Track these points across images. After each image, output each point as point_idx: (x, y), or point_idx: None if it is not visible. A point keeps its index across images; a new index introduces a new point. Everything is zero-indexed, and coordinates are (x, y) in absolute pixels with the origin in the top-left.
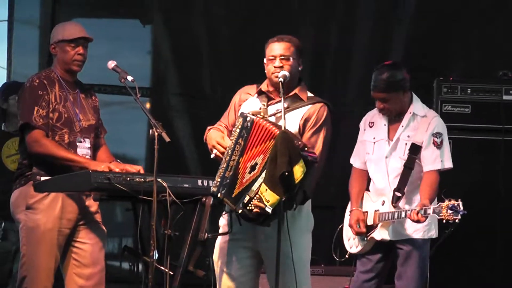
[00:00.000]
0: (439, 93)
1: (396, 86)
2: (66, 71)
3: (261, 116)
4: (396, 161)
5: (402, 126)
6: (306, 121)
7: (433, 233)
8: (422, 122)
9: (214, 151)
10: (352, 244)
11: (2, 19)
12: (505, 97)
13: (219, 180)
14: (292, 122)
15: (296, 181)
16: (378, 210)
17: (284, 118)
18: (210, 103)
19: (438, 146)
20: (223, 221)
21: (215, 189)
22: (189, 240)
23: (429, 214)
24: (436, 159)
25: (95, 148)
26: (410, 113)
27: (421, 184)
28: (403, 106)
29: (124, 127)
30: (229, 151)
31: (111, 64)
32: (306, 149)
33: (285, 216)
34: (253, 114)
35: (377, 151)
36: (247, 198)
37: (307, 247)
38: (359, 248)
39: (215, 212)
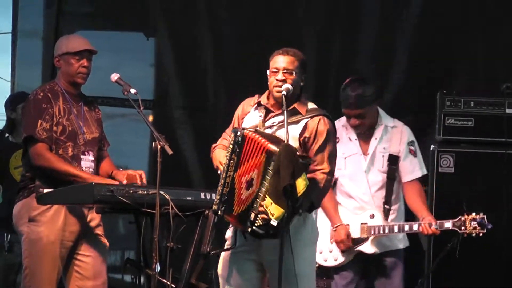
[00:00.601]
0: (442, 107)
1: (370, 100)
2: (70, 83)
3: (253, 130)
4: (376, 175)
5: (376, 139)
6: (306, 138)
7: (407, 242)
8: (394, 133)
9: (219, 171)
10: (327, 257)
11: (5, 31)
12: (508, 111)
13: (218, 197)
14: (292, 135)
15: (299, 194)
16: (366, 224)
17: (287, 131)
18: (213, 116)
19: (415, 154)
20: (228, 234)
21: (215, 207)
22: (191, 253)
23: (447, 228)
24: (415, 168)
25: (98, 161)
26: (382, 125)
27: (408, 195)
28: (375, 118)
29: (127, 140)
30: (225, 167)
31: (115, 76)
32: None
33: (288, 229)
34: (243, 129)
35: (351, 166)
36: (252, 215)
37: (312, 259)
38: (340, 260)
39: (220, 225)
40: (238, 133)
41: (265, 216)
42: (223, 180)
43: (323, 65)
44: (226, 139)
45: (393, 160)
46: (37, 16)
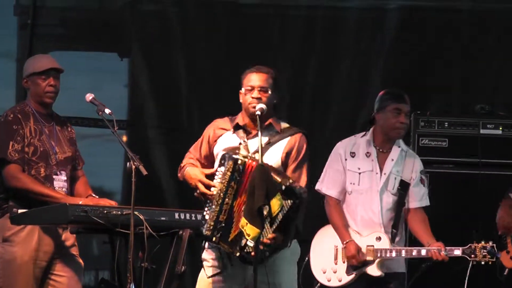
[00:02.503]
0: (417, 127)
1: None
2: (39, 104)
3: (252, 158)
4: (388, 196)
5: (392, 160)
6: (288, 154)
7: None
8: (408, 159)
9: (198, 190)
10: (330, 277)
11: None
12: (482, 131)
13: (212, 224)
14: (274, 155)
15: (274, 214)
16: (373, 246)
17: (261, 152)
18: (188, 136)
19: (424, 183)
20: (208, 256)
21: (209, 233)
22: (165, 273)
23: (456, 255)
24: (423, 196)
25: (72, 180)
26: (399, 148)
27: (413, 221)
28: None
29: (101, 160)
30: (221, 194)
31: (89, 96)
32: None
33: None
34: (244, 157)
35: (366, 182)
36: (244, 241)
37: (295, 278)
38: (344, 281)
39: (193, 245)
40: (240, 161)
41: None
42: (218, 207)
43: (297, 88)
44: (192, 158)
45: (404, 186)
46: (11, 37)
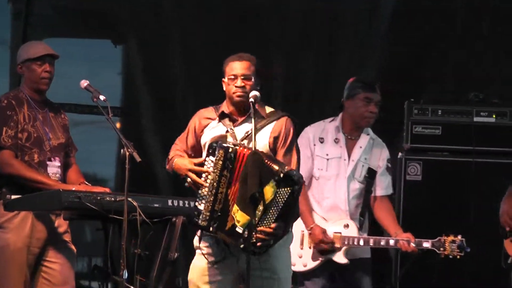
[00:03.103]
0: (410, 115)
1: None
2: (34, 90)
3: (242, 145)
4: (355, 183)
5: (361, 147)
6: (275, 138)
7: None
8: (376, 147)
9: (189, 179)
10: (295, 261)
11: None
12: (475, 119)
13: (208, 214)
14: (262, 140)
15: (267, 201)
16: (340, 233)
17: (255, 140)
18: (181, 124)
19: (390, 172)
20: (203, 244)
21: (205, 223)
22: (158, 260)
23: (426, 247)
24: (389, 184)
25: (65, 167)
26: (368, 135)
27: (379, 210)
28: None
29: (95, 147)
30: (214, 183)
31: (84, 83)
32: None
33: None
34: (234, 144)
35: (333, 168)
36: (246, 232)
37: (289, 261)
38: (310, 266)
39: (186, 232)
40: (230, 150)
41: (260, 236)
42: (213, 197)
43: (294, 81)
44: (179, 150)
45: (371, 174)
46: (4, 25)
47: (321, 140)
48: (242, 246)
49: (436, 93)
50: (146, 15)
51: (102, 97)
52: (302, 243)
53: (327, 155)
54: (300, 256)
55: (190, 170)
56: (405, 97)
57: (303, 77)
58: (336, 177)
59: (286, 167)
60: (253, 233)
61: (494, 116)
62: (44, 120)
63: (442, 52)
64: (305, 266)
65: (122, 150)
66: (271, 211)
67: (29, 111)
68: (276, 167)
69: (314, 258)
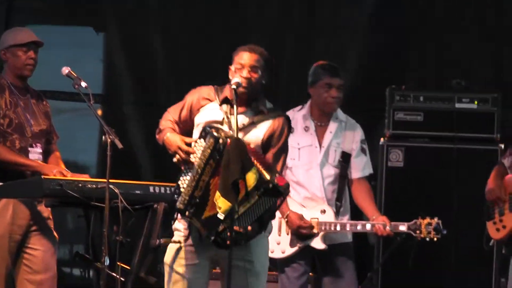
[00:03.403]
0: (392, 101)
1: (345, 80)
2: (17, 76)
3: (232, 137)
4: (328, 169)
5: (331, 132)
6: (270, 136)
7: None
8: (348, 130)
9: (177, 156)
10: (273, 248)
11: None
12: (457, 105)
13: (187, 198)
14: (257, 135)
15: (249, 188)
16: (317, 219)
17: (237, 125)
18: (163, 111)
19: (365, 153)
20: (180, 226)
21: (182, 207)
22: (140, 247)
23: (402, 230)
24: (366, 166)
25: (46, 154)
26: (337, 118)
27: (357, 192)
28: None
29: (76, 134)
30: (199, 170)
31: (65, 70)
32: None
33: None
34: (226, 136)
35: (306, 157)
36: (221, 227)
37: (266, 250)
38: (288, 253)
39: (167, 219)
40: (221, 141)
41: (236, 230)
42: (194, 182)
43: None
44: (170, 121)
45: (346, 158)
46: None
47: (291, 130)
48: (212, 238)
49: (418, 79)
50: (128, 2)
51: (83, 84)
52: (280, 230)
53: (298, 144)
54: (278, 243)
55: (180, 149)
56: (387, 84)
57: (282, 61)
58: (309, 165)
59: (275, 178)
60: (227, 230)
61: (476, 102)
62: (26, 107)
63: (425, 38)
64: (283, 252)
65: (103, 137)
66: (250, 214)
67: (11, 97)
68: (267, 177)
69: (292, 245)
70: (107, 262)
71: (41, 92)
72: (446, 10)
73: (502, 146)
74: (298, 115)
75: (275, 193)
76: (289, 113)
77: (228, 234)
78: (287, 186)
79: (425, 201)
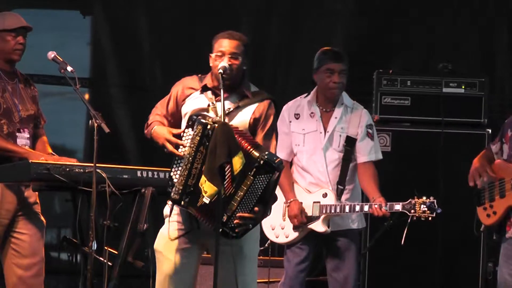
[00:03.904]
0: (379, 85)
1: (348, 65)
2: (5, 61)
3: (219, 122)
4: (333, 153)
5: (336, 117)
6: (256, 119)
7: (364, 223)
8: (353, 115)
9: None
10: (279, 233)
11: None
12: (445, 90)
13: (181, 188)
14: (243, 119)
15: (235, 172)
16: (319, 202)
17: (223, 109)
18: (150, 95)
19: (372, 137)
20: (173, 212)
21: (177, 197)
22: (128, 231)
23: (397, 210)
24: (371, 150)
25: (34, 138)
26: (342, 104)
27: (362, 176)
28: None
29: (63, 118)
30: (190, 158)
31: (51, 54)
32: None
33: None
34: (213, 122)
35: (310, 142)
36: (225, 217)
37: (256, 236)
38: (291, 238)
39: (155, 203)
40: (209, 126)
41: (239, 221)
42: (187, 171)
43: (260, 49)
44: (159, 115)
45: (350, 142)
46: None
47: (297, 116)
48: (220, 230)
49: (405, 63)
50: None
51: (69, 68)
52: (284, 214)
53: (303, 130)
54: (283, 228)
55: (167, 140)
56: (374, 67)
57: (267, 44)
58: (314, 150)
59: (265, 153)
60: (232, 217)
61: (463, 87)
62: (14, 92)
63: (412, 21)
64: (287, 237)
65: (90, 121)
66: (250, 197)
67: None
68: (256, 154)
69: (295, 229)
70: (94, 246)
71: (28, 76)
72: None
73: (490, 131)
74: (304, 102)
75: (267, 169)
76: (296, 100)
77: (235, 222)
78: (280, 162)
79: (412, 186)
